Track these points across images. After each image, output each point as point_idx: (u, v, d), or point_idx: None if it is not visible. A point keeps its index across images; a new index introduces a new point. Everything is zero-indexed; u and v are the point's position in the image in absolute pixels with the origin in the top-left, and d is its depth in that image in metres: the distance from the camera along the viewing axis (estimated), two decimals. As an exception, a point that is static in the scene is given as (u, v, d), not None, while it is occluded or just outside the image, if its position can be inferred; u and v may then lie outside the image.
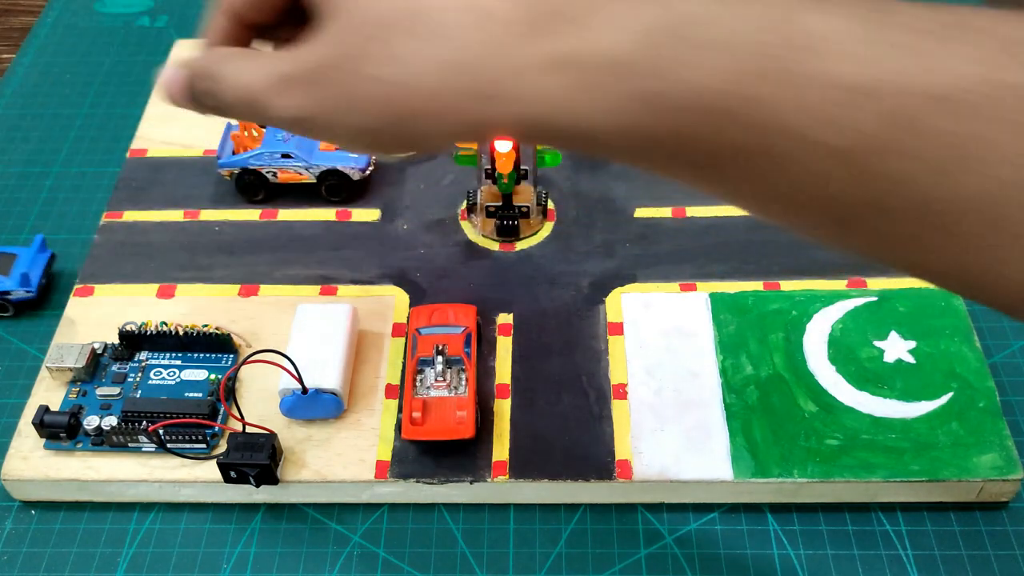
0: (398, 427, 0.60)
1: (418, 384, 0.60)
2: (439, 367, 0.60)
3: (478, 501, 0.59)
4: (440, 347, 0.61)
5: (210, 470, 0.58)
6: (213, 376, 0.62)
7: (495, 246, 0.71)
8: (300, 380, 0.58)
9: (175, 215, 0.74)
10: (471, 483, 0.58)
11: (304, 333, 0.62)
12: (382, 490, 0.59)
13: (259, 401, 0.62)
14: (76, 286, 0.69)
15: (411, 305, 0.67)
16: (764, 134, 0.31)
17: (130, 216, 0.74)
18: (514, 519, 0.59)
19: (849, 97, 0.30)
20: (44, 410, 0.59)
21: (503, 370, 0.63)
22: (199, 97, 0.41)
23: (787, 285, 0.67)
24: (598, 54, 0.32)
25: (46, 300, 0.71)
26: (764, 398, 0.61)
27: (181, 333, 0.63)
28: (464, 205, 0.74)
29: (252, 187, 0.74)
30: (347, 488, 0.59)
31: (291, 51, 0.37)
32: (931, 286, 0.66)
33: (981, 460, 0.57)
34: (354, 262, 0.70)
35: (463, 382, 0.60)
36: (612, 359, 0.64)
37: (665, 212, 0.73)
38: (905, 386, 0.61)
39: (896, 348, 0.63)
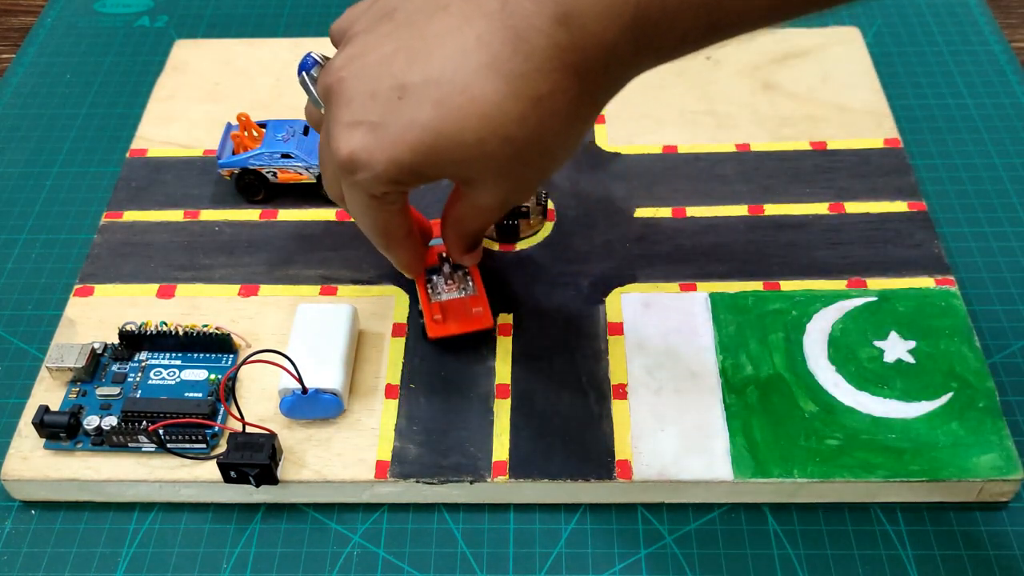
0: (422, 332, 0.64)
1: (429, 291, 0.64)
2: (446, 270, 0.65)
3: (478, 501, 0.59)
4: (443, 255, 0.65)
5: (210, 470, 0.58)
6: (213, 376, 0.62)
7: (495, 246, 0.71)
8: (300, 380, 0.58)
9: (175, 215, 0.74)
10: (471, 483, 0.58)
11: (304, 333, 0.62)
12: (382, 490, 0.59)
13: (259, 401, 0.62)
14: (76, 286, 0.69)
15: (411, 306, 0.67)
16: None
17: (130, 216, 0.74)
18: (514, 519, 0.59)
19: None
20: (44, 410, 0.59)
21: (503, 370, 0.63)
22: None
23: (787, 285, 0.67)
24: None
25: (47, 300, 0.71)
26: (764, 398, 0.61)
27: (181, 333, 0.63)
28: (464, 205, 0.73)
29: (252, 187, 0.74)
30: (347, 488, 0.59)
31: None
32: (931, 286, 0.66)
33: (981, 460, 0.57)
34: (354, 262, 0.70)
35: (470, 282, 0.65)
36: (612, 359, 0.64)
37: (665, 212, 0.73)
38: (905, 386, 0.61)
39: (896, 348, 0.63)
